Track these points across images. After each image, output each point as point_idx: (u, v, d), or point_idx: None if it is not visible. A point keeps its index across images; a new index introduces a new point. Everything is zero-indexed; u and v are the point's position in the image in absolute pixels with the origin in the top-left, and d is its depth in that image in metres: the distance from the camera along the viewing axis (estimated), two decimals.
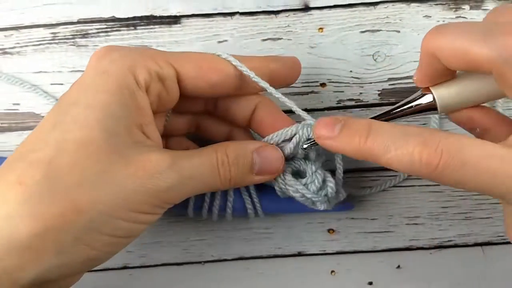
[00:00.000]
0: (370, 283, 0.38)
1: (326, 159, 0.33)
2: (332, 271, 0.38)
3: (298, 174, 0.33)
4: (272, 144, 0.31)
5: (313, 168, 0.32)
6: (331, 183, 0.32)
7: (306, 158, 0.32)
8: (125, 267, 0.39)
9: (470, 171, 0.24)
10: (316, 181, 0.32)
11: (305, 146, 0.31)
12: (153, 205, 0.27)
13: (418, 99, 0.29)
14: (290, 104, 0.31)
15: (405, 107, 0.29)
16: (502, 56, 0.23)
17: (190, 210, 0.34)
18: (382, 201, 0.38)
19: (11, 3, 0.38)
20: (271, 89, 0.31)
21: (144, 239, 0.39)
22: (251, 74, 0.30)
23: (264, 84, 0.31)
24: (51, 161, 0.25)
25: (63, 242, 0.24)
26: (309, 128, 0.30)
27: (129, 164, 0.25)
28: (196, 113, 0.34)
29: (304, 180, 0.32)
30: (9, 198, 0.24)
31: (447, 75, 0.28)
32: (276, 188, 0.33)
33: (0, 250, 0.24)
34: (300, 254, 0.38)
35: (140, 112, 0.27)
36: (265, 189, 0.35)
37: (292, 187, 0.32)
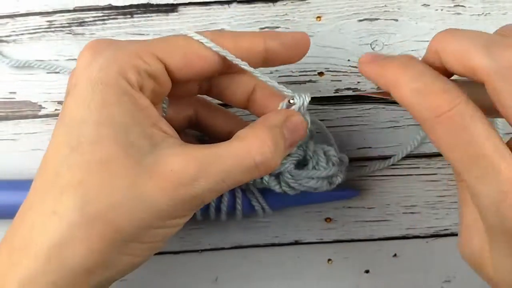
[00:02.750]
0: (367, 272, 0.38)
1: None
2: (329, 260, 0.38)
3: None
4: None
5: (311, 149, 0.32)
6: (331, 151, 0.32)
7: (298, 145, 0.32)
8: None
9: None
10: (320, 158, 0.32)
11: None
12: (187, 210, 0.27)
13: None
14: (271, 83, 0.30)
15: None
16: (498, 68, 0.24)
17: (198, 213, 0.34)
18: (379, 190, 0.38)
19: None
20: (250, 69, 0.29)
21: None
22: (229, 56, 0.28)
23: (238, 61, 0.29)
24: (80, 186, 0.25)
25: (108, 260, 0.26)
26: (305, 95, 0.30)
27: (153, 175, 0.25)
28: (192, 98, 0.34)
29: (310, 165, 0.32)
30: (49, 230, 0.25)
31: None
32: (285, 188, 0.32)
33: (55, 275, 0.25)
34: (297, 243, 0.38)
35: (145, 113, 0.27)
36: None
37: (304, 177, 0.31)
